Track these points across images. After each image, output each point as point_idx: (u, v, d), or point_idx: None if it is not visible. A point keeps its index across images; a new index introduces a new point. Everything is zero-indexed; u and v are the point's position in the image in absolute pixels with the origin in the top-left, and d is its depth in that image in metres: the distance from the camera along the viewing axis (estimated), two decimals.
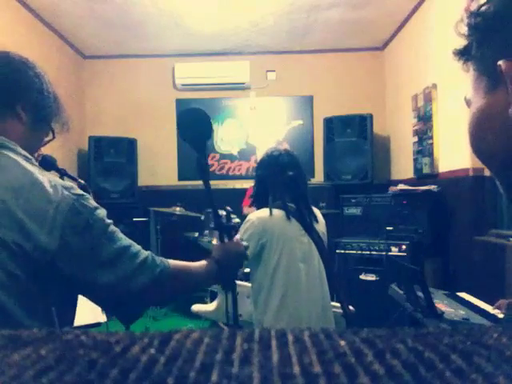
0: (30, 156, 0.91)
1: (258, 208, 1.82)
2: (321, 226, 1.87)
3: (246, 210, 3.74)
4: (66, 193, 0.83)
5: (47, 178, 0.83)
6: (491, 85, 0.53)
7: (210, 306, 2.13)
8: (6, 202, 0.76)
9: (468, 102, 0.60)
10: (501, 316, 1.58)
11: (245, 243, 1.27)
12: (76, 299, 0.97)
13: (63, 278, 0.82)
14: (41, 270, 0.78)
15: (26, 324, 0.77)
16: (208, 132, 1.04)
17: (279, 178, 1.78)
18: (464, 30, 0.57)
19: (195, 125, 1.04)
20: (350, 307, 1.87)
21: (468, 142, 0.61)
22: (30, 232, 0.76)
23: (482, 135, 0.56)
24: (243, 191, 3.91)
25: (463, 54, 0.58)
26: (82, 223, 0.82)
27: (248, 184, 3.90)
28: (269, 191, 1.78)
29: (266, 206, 1.75)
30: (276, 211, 1.73)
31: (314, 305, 1.74)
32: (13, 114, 0.94)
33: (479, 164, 2.87)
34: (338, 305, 1.86)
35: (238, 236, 1.82)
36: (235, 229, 1.23)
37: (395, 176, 4.45)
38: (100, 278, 0.85)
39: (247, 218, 1.80)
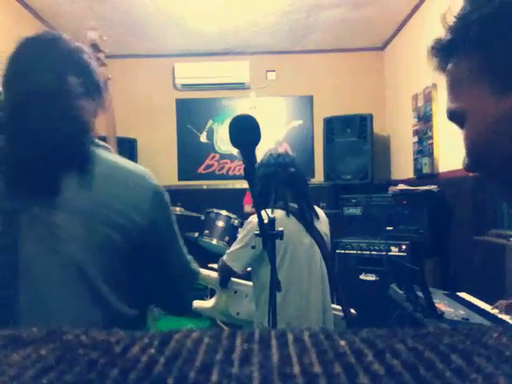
0: (107, 145, 0.97)
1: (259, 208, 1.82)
2: (323, 226, 1.85)
3: (247, 208, 3.73)
4: (148, 178, 0.94)
5: (133, 165, 0.96)
6: (503, 87, 0.45)
7: (207, 303, 2.14)
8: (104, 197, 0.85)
9: (460, 114, 0.50)
10: (501, 316, 1.58)
11: None
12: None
13: (150, 260, 0.90)
14: (134, 254, 0.86)
15: (118, 308, 0.84)
16: (257, 139, 1.04)
17: (281, 174, 1.78)
18: (452, 21, 0.50)
19: (245, 131, 1.04)
20: (352, 310, 1.86)
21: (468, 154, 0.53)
22: (129, 218, 0.85)
23: (494, 144, 0.47)
24: (243, 191, 3.91)
25: (449, 49, 0.52)
26: (165, 203, 0.94)
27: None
28: (271, 190, 1.78)
29: (268, 207, 1.74)
30: (277, 211, 1.73)
31: (315, 305, 1.73)
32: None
33: None
34: (339, 307, 1.85)
35: (239, 237, 1.82)
36: (279, 236, 1.22)
37: (395, 176, 4.45)
38: (177, 252, 0.97)
39: (249, 220, 1.79)
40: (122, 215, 0.84)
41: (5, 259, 0.76)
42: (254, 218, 1.77)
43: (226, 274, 1.88)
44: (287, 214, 1.73)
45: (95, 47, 1.66)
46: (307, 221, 1.77)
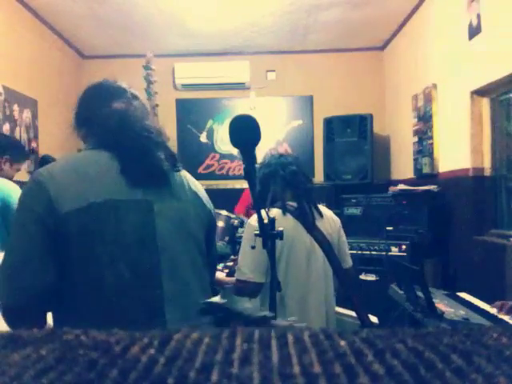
0: None
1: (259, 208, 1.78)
2: (328, 225, 1.78)
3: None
4: None
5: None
6: None
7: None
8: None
9: None
10: (501, 316, 1.58)
11: None
12: None
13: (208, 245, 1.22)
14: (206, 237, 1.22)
15: (198, 290, 1.12)
16: (257, 139, 1.04)
17: (281, 173, 1.76)
18: None
19: (245, 132, 1.04)
20: (372, 318, 1.78)
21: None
22: (207, 207, 1.24)
23: None
24: (243, 191, 3.90)
25: None
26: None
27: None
28: (269, 189, 1.74)
29: (271, 206, 1.71)
30: (273, 210, 1.70)
31: (316, 307, 1.68)
32: None
33: (479, 164, 2.87)
34: (354, 314, 1.77)
35: (242, 246, 1.76)
36: (279, 236, 1.20)
37: (395, 176, 4.45)
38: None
39: (247, 222, 1.78)
40: (204, 205, 1.22)
41: (148, 236, 1.03)
42: (250, 220, 1.75)
43: (252, 292, 1.66)
44: (283, 213, 1.69)
45: (147, 68, 1.78)
46: (307, 219, 1.72)
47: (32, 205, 0.96)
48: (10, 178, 2.20)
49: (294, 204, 1.74)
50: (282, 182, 1.75)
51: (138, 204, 1.03)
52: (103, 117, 1.10)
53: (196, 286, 1.10)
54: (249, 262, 1.65)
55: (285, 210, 1.70)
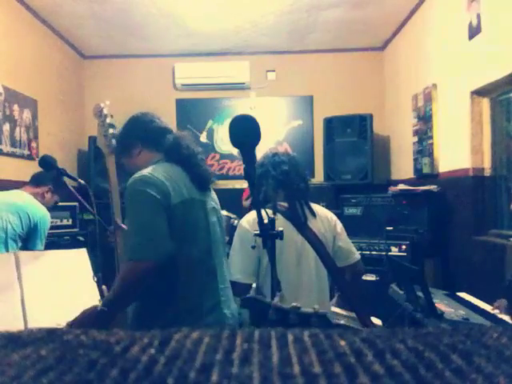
0: None
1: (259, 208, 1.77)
2: (321, 224, 1.76)
3: (244, 203, 3.72)
4: None
5: None
6: None
7: None
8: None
9: None
10: (501, 316, 1.58)
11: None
12: None
13: None
14: None
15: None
16: (256, 139, 1.04)
17: (273, 174, 1.74)
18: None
19: (245, 132, 1.04)
20: (375, 320, 1.74)
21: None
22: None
23: None
24: (243, 191, 3.90)
25: None
26: None
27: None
28: (261, 190, 1.73)
29: (263, 207, 1.70)
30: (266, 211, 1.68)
31: (309, 307, 1.66)
32: None
33: (479, 164, 2.87)
34: (353, 315, 1.69)
35: (232, 245, 1.75)
36: (280, 236, 1.20)
37: (395, 176, 4.44)
38: None
39: (239, 223, 1.78)
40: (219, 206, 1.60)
41: (206, 224, 1.46)
42: (241, 221, 1.74)
43: (240, 293, 1.63)
44: (274, 213, 1.68)
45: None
46: (298, 220, 1.69)
47: (152, 194, 1.30)
48: (47, 207, 2.53)
49: (285, 204, 1.72)
50: (273, 182, 1.73)
51: (201, 202, 1.46)
52: (172, 142, 1.50)
53: (224, 265, 1.52)
54: (237, 263, 1.66)
55: (275, 211, 1.69)
